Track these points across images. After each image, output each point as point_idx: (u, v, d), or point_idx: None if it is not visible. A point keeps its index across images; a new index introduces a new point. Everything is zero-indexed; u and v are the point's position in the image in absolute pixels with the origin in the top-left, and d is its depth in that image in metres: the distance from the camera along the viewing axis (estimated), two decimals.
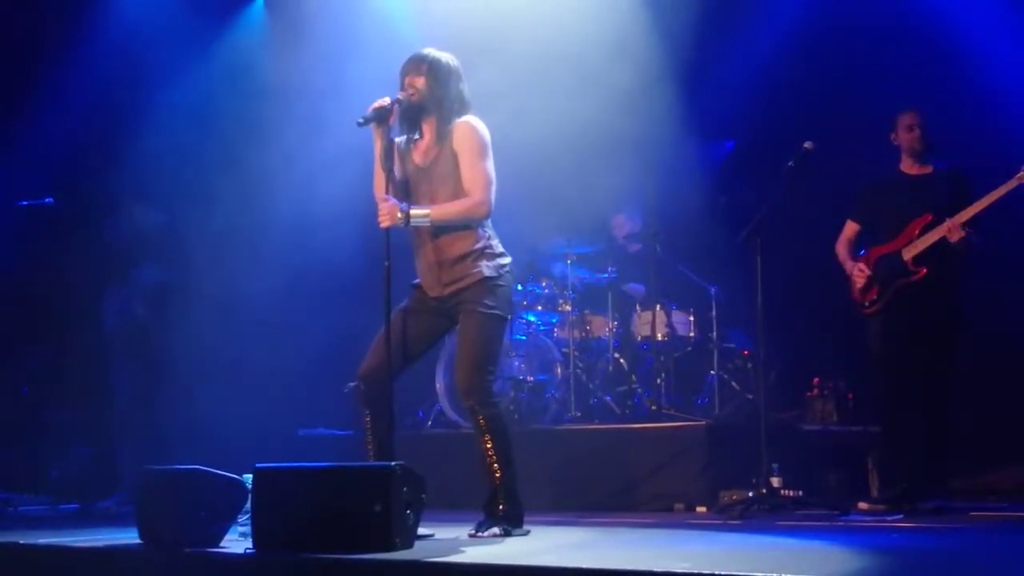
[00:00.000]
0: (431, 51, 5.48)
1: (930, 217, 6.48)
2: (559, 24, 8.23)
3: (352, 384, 5.51)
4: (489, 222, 5.48)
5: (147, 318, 7.98)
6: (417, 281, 5.53)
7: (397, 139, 5.53)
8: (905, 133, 6.66)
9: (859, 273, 6.67)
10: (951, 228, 6.34)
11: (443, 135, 5.41)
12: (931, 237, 6.46)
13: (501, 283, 5.43)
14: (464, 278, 5.39)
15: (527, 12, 8.22)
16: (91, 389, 8.32)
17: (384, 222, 5.31)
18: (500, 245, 5.50)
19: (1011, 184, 6.25)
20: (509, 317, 5.64)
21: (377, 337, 5.38)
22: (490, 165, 5.40)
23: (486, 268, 5.39)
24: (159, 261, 8.09)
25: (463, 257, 5.39)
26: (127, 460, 7.78)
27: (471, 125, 5.41)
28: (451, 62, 5.47)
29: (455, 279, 5.40)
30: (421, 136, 5.48)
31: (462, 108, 5.46)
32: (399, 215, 5.29)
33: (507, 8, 8.19)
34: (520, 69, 7.86)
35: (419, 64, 5.44)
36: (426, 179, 5.45)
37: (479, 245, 5.40)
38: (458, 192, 5.38)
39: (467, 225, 5.39)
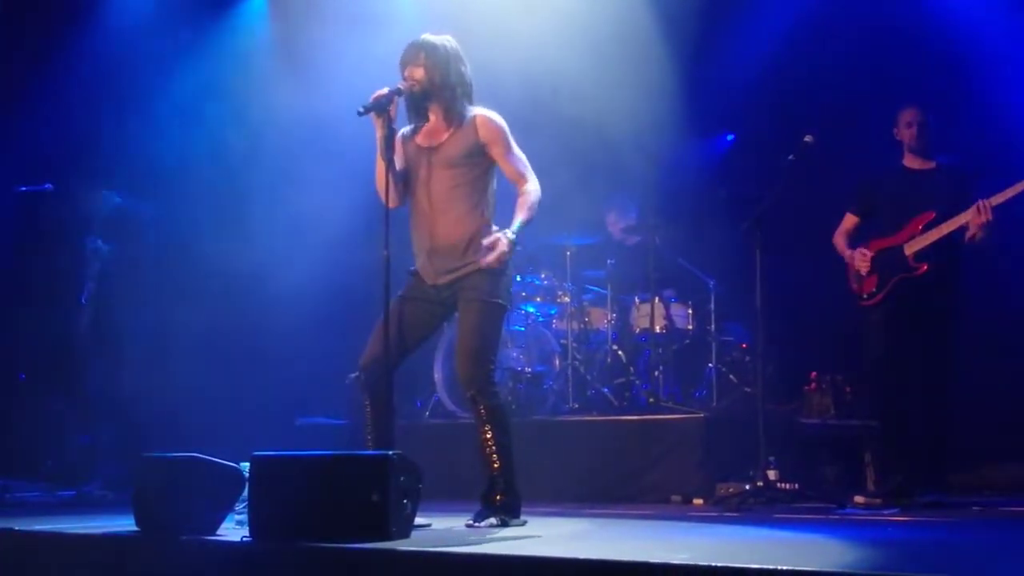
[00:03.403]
0: (427, 38, 5.47)
1: (933, 214, 6.47)
2: (561, 16, 8.22)
3: (354, 375, 5.52)
4: (490, 209, 5.48)
5: (99, 294, 8.02)
6: (414, 268, 5.53)
7: (403, 129, 5.54)
8: (904, 129, 6.65)
9: (861, 257, 6.64)
10: (982, 210, 6.25)
11: (453, 119, 5.43)
12: (934, 234, 6.44)
13: (499, 271, 5.43)
14: (464, 267, 5.39)
15: (532, 7, 8.21)
16: (86, 375, 8.33)
17: (500, 258, 5.31)
18: (496, 228, 5.50)
19: None
20: (509, 306, 5.64)
21: (377, 327, 5.38)
22: (517, 147, 5.50)
23: (485, 256, 5.38)
24: (104, 233, 8.11)
25: (462, 244, 5.39)
26: (114, 446, 7.83)
27: (491, 118, 5.45)
28: (448, 45, 5.47)
29: (454, 267, 5.40)
30: (428, 121, 5.49)
31: (465, 90, 5.46)
32: (509, 242, 5.31)
33: None
34: (521, 60, 7.86)
35: (416, 54, 5.43)
36: (425, 161, 5.45)
37: (479, 230, 5.41)
38: (459, 178, 5.39)
39: (468, 211, 5.39)
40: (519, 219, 5.42)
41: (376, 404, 5.40)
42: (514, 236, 5.36)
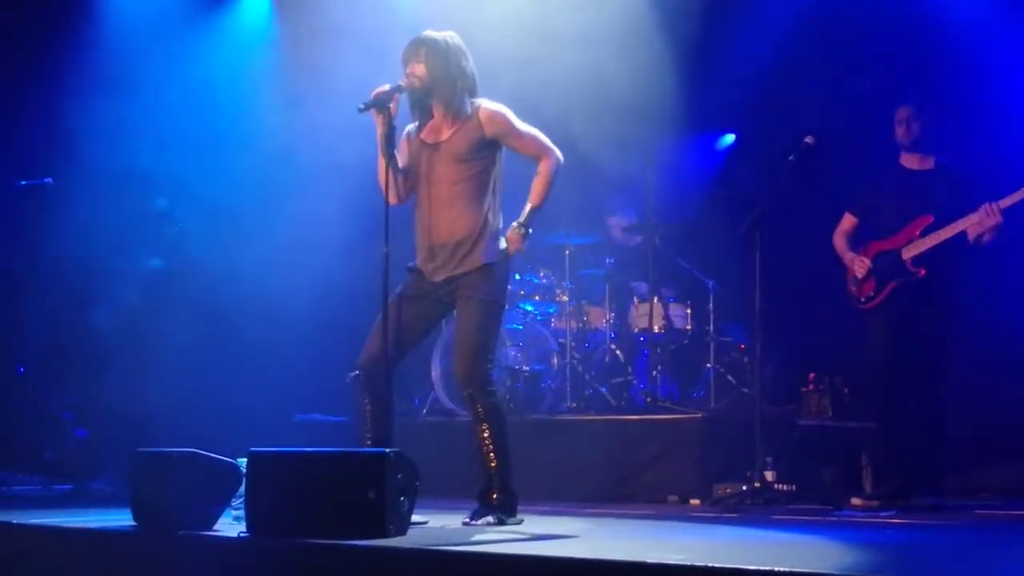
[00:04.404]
0: (429, 33, 5.46)
1: (931, 219, 6.46)
2: (562, 16, 8.21)
3: (353, 373, 5.51)
4: (494, 208, 5.47)
5: (142, 305, 8.07)
6: (412, 264, 5.52)
7: (409, 127, 5.54)
8: (896, 127, 6.65)
9: (860, 264, 6.64)
10: (990, 212, 6.22)
11: (456, 114, 5.41)
12: (931, 239, 6.43)
13: (499, 269, 5.44)
14: (463, 264, 5.38)
15: (529, 5, 8.20)
16: (87, 371, 8.34)
17: (517, 247, 5.44)
18: (500, 224, 5.49)
19: None
20: (506, 305, 5.64)
21: (375, 325, 5.37)
22: (526, 125, 5.49)
23: (485, 254, 5.38)
24: (159, 249, 8.17)
25: (463, 242, 5.38)
26: (115, 442, 7.84)
27: (494, 111, 5.43)
28: (450, 40, 5.45)
29: (455, 264, 5.39)
30: (432, 117, 5.49)
31: (467, 85, 5.45)
32: (521, 236, 5.41)
33: None
34: (521, 61, 7.85)
35: (417, 50, 5.42)
36: (427, 156, 5.44)
37: (479, 228, 5.39)
38: (463, 174, 5.38)
39: (470, 209, 5.38)
40: (528, 207, 5.44)
41: (376, 403, 5.40)
42: (523, 226, 5.40)
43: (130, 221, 8.33)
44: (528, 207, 5.45)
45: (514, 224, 5.43)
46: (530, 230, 5.44)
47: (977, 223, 6.27)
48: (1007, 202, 6.22)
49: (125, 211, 8.34)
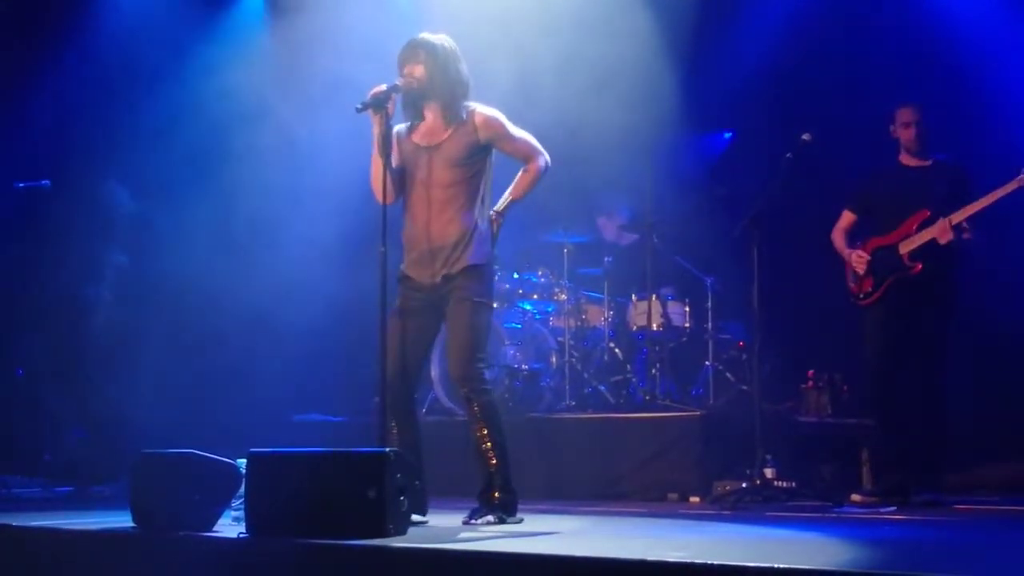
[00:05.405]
0: (426, 36, 5.47)
1: (928, 213, 6.47)
2: (557, 15, 8.21)
3: (376, 400, 5.52)
4: (485, 208, 5.48)
5: (112, 303, 8.11)
6: (403, 269, 5.51)
7: (398, 127, 5.54)
8: (902, 130, 6.65)
9: (858, 259, 6.65)
10: (942, 229, 6.33)
11: (452, 118, 5.42)
12: (927, 234, 6.45)
13: (488, 271, 5.48)
14: (454, 264, 5.39)
15: (526, 3, 8.20)
16: (87, 373, 8.35)
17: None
18: (489, 228, 5.50)
19: (1010, 187, 6.21)
20: (495, 304, 5.66)
21: (384, 345, 5.33)
22: (518, 129, 5.53)
23: (474, 256, 5.40)
24: (124, 245, 8.20)
25: (455, 244, 5.39)
26: (115, 444, 7.87)
27: (489, 116, 5.46)
28: (447, 44, 5.47)
29: (446, 265, 5.40)
30: (424, 120, 5.49)
31: (464, 90, 5.47)
32: (498, 225, 5.48)
33: None
34: (519, 61, 7.85)
35: (415, 52, 5.43)
36: (424, 160, 5.44)
37: (470, 230, 5.41)
38: (458, 176, 5.39)
39: (464, 210, 5.39)
40: (509, 197, 5.52)
41: (403, 425, 5.41)
42: (500, 214, 5.48)
43: (103, 220, 8.35)
44: (509, 197, 5.52)
45: (491, 213, 5.49)
46: (502, 217, 5.50)
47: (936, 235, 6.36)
48: (958, 217, 6.31)
49: (107, 213, 8.36)
